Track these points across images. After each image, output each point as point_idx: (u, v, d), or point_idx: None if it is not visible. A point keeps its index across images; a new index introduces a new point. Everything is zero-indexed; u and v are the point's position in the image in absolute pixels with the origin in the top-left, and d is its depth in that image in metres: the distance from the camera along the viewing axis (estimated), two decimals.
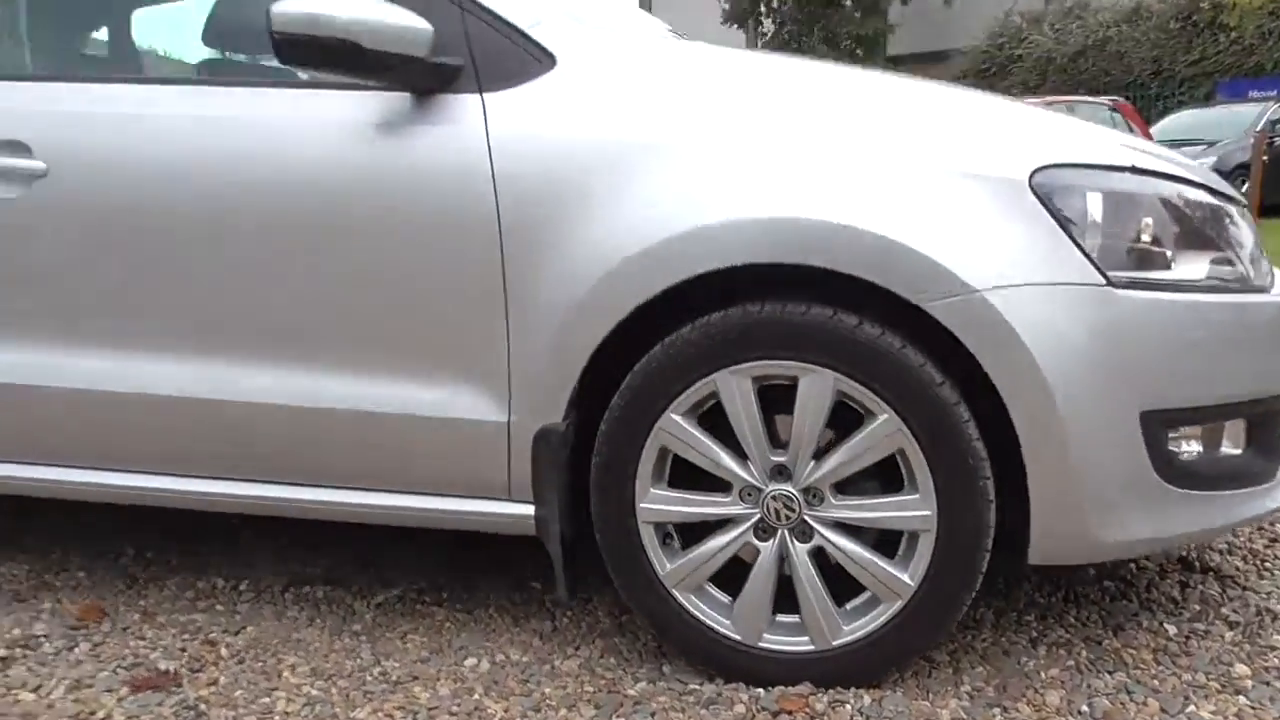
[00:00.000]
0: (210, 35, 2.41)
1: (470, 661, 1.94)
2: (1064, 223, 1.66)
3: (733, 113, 1.75)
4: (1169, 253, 1.75)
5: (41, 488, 2.12)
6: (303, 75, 1.95)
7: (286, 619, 2.18)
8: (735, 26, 27.08)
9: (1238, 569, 2.26)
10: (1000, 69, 19.54)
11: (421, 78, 1.80)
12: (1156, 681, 1.80)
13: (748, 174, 1.70)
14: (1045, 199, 1.66)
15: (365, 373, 1.90)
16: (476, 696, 1.81)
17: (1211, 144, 12.55)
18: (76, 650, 2.07)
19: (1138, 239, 1.72)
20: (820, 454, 1.72)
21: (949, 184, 1.66)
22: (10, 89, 2.06)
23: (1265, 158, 11.85)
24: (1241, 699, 1.74)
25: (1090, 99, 12.00)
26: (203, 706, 1.81)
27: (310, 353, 1.92)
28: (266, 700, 1.83)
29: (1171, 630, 1.98)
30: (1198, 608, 2.08)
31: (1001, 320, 1.60)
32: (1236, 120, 13.06)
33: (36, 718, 1.79)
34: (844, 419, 1.71)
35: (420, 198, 1.81)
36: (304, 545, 2.52)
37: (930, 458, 1.66)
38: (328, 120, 1.87)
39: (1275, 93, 15.11)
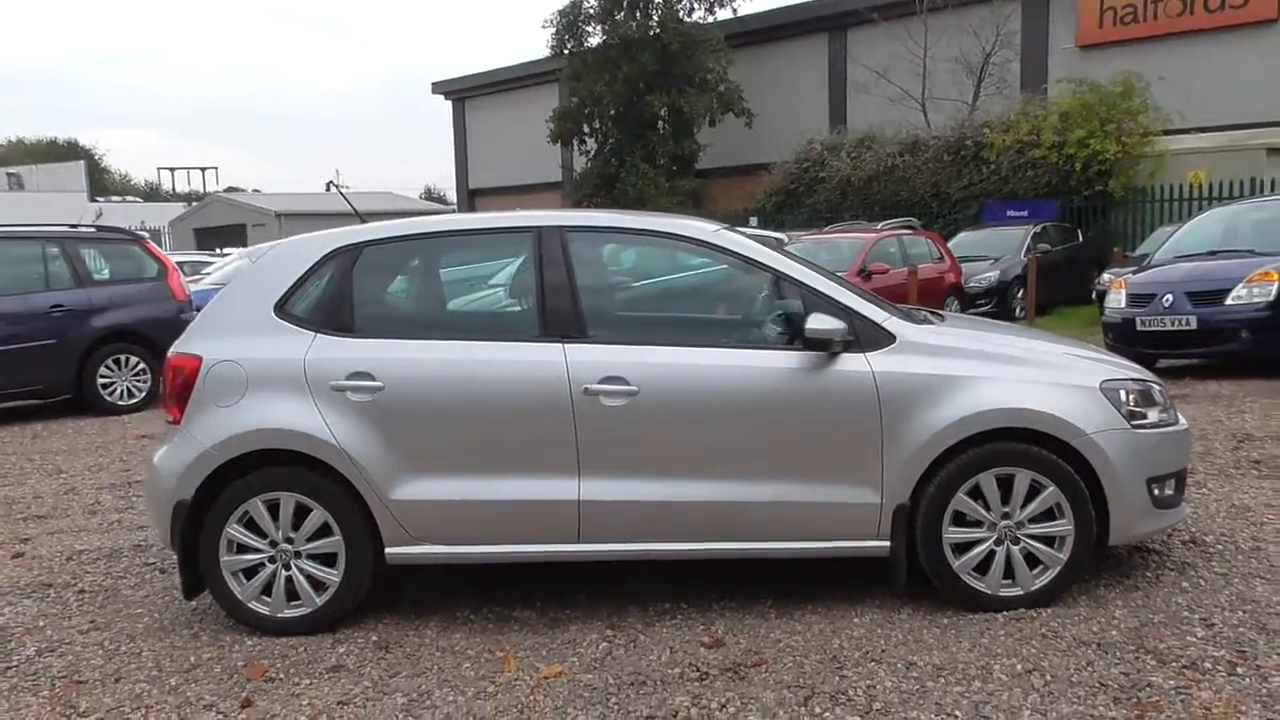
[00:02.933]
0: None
1: (857, 620, 4.05)
2: (1113, 402, 4.03)
3: (977, 361, 4.03)
4: (1144, 410, 4.15)
5: (638, 555, 4.09)
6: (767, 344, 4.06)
7: (765, 628, 4.16)
8: (560, 145, 29.79)
9: (1151, 545, 4.69)
10: (807, 188, 23.06)
11: (837, 346, 3.97)
12: (1143, 581, 4.15)
13: (988, 390, 3.97)
14: (1105, 393, 4.04)
15: (799, 482, 4.00)
16: (881, 630, 3.93)
17: (996, 259, 16.08)
18: (642, 639, 4.01)
19: (1135, 405, 4.12)
20: (1023, 505, 3.99)
21: (1070, 390, 4.01)
22: (614, 349, 4.05)
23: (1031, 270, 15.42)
24: (1165, 573, 4.13)
25: (912, 234, 15.20)
26: (759, 682, 3.84)
27: (765, 475, 4.01)
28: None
29: (1140, 566, 4.36)
30: (1140, 560, 4.48)
31: (1098, 446, 3.95)
32: (1009, 240, 16.71)
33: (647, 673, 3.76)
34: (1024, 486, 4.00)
35: (837, 398, 3.97)
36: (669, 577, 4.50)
37: (1071, 505, 3.97)
38: (784, 364, 4.00)
39: (1026, 213, 19.10)
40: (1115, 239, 18.26)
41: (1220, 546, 4.70)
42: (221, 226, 41.34)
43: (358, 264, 4.24)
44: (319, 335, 4.15)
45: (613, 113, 28.45)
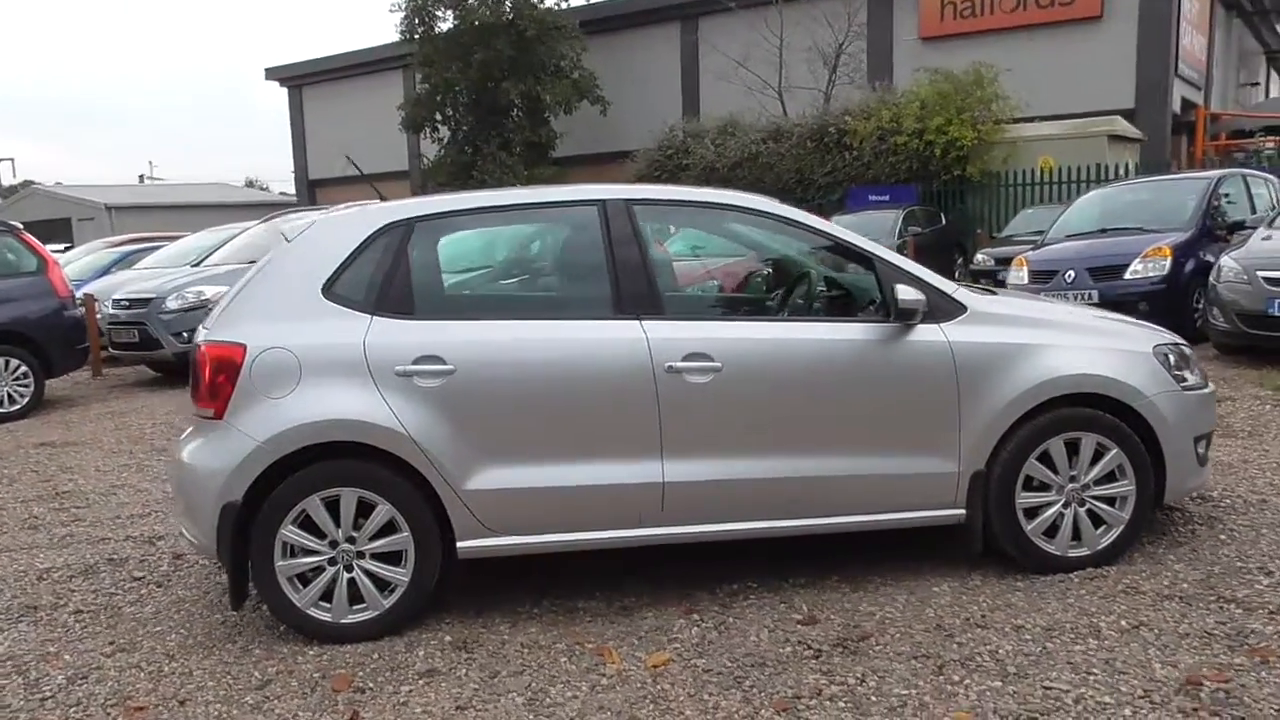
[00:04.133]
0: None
1: (936, 589, 4.09)
2: (1164, 364, 4.22)
3: (1043, 330, 4.13)
4: (1184, 372, 4.36)
5: (722, 535, 3.99)
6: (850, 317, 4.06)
7: (848, 602, 4.15)
8: (411, 133, 28.94)
9: (1169, 504, 4.95)
10: (671, 175, 23.15)
11: (918, 317, 3.99)
12: (1183, 536, 4.37)
13: (1057, 357, 4.07)
14: (1158, 357, 4.21)
15: (881, 453, 4.01)
16: (966, 597, 3.97)
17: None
18: (730, 620, 3.93)
19: (1179, 368, 4.31)
20: (1088, 468, 4.12)
21: (1127, 354, 4.17)
22: (694, 325, 3.95)
23: (910, 252, 16.04)
24: (1198, 529, 4.36)
25: None
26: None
27: (849, 448, 4.00)
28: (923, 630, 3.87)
29: (1167, 523, 4.58)
30: (1165, 517, 4.71)
31: (1156, 407, 4.12)
32: (880, 223, 17.23)
33: (746, 641, 3.71)
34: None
35: (915, 367, 3.99)
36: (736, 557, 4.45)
37: (1133, 466, 4.12)
38: (866, 334, 4.00)
39: (888, 197, 19.82)
40: (973, 221, 19.20)
41: (1229, 501, 4.99)
42: (43, 221, 38.05)
43: (411, 241, 3.97)
44: (375, 318, 3.86)
45: (465, 100, 27.84)
